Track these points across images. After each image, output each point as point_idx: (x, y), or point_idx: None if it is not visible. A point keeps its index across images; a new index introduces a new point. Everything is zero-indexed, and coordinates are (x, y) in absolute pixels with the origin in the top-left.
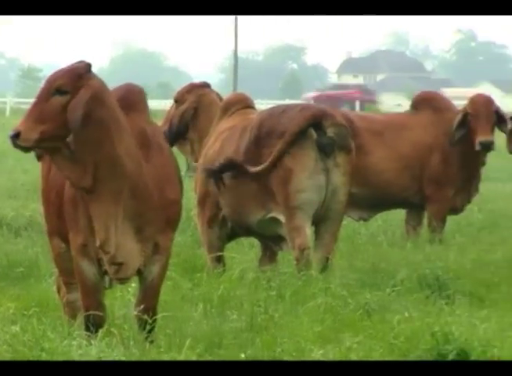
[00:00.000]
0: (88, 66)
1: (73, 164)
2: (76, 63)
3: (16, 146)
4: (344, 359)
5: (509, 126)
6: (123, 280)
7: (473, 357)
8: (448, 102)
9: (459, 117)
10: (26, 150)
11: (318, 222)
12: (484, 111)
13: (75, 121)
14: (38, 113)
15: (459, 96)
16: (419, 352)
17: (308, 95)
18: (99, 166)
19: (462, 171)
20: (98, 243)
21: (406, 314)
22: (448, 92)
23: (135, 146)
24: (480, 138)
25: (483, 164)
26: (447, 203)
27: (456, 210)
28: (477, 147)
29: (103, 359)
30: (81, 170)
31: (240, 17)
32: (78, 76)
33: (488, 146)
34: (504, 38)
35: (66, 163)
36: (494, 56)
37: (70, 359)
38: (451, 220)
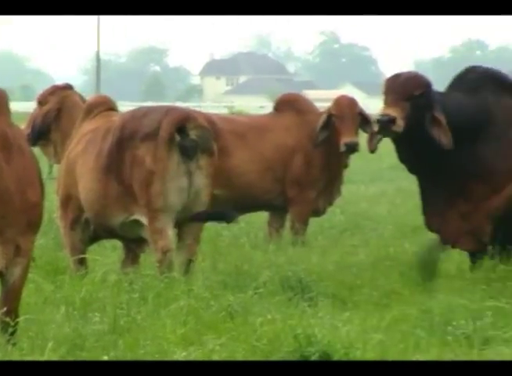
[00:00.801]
0: None
1: None
2: None
3: None
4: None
5: (374, 128)
6: None
7: (335, 359)
8: (310, 104)
9: (323, 119)
10: None
11: (180, 224)
12: (348, 113)
13: None
14: None
15: (321, 98)
16: (281, 355)
17: None
18: None
19: (324, 173)
20: None
21: (269, 316)
22: (311, 94)
23: None
24: (345, 139)
25: (345, 166)
26: (309, 205)
27: (318, 212)
28: (342, 148)
29: None
30: None
31: (103, 18)
32: None
33: (353, 148)
34: (367, 40)
35: None
36: (357, 58)
37: None
38: (313, 222)
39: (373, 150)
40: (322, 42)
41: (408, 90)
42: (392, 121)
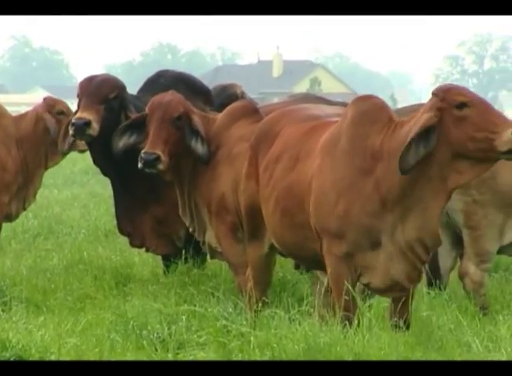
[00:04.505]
0: None
1: None
2: None
3: None
4: None
5: (70, 131)
6: None
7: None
8: (2, 108)
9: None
10: None
11: None
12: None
13: None
14: None
15: (13, 103)
16: None
17: None
18: None
19: (18, 178)
20: None
21: None
22: (2, 99)
23: None
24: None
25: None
26: (2, 209)
27: (10, 217)
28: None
29: None
30: None
31: None
32: None
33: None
34: (58, 44)
35: None
36: (48, 62)
37: None
38: (6, 227)
39: (64, 152)
40: (12, 46)
41: (102, 93)
42: (87, 124)
